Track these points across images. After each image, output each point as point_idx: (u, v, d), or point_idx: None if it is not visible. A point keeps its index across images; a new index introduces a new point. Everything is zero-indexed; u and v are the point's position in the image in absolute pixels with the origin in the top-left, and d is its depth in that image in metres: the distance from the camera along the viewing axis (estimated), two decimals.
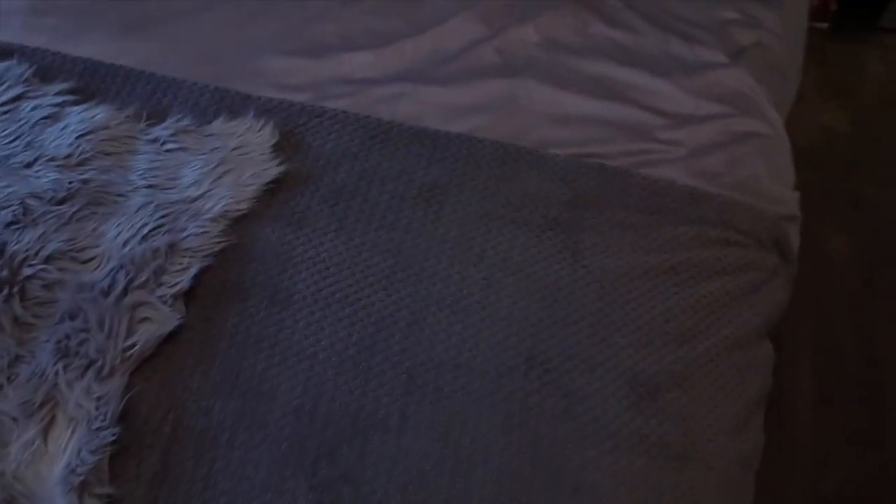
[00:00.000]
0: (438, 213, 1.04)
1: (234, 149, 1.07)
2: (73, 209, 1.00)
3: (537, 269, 0.97)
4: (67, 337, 0.91)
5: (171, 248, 0.97)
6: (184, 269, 0.96)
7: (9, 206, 1.01)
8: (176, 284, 0.94)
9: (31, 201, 1.00)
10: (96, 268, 0.97)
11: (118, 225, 0.99)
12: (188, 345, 0.93)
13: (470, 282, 0.97)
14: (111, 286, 0.94)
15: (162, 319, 0.93)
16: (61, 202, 1.01)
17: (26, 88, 1.11)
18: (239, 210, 1.01)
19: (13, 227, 0.99)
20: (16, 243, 0.97)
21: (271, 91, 1.17)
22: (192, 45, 1.24)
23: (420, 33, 1.24)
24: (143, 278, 0.95)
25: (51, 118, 1.08)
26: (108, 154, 1.05)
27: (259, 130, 1.08)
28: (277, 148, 1.07)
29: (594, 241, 0.98)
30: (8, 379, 0.89)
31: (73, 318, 0.92)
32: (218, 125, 1.10)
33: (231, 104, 1.13)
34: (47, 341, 0.91)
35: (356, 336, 0.93)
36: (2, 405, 0.88)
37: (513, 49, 1.24)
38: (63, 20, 1.25)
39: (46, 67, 1.16)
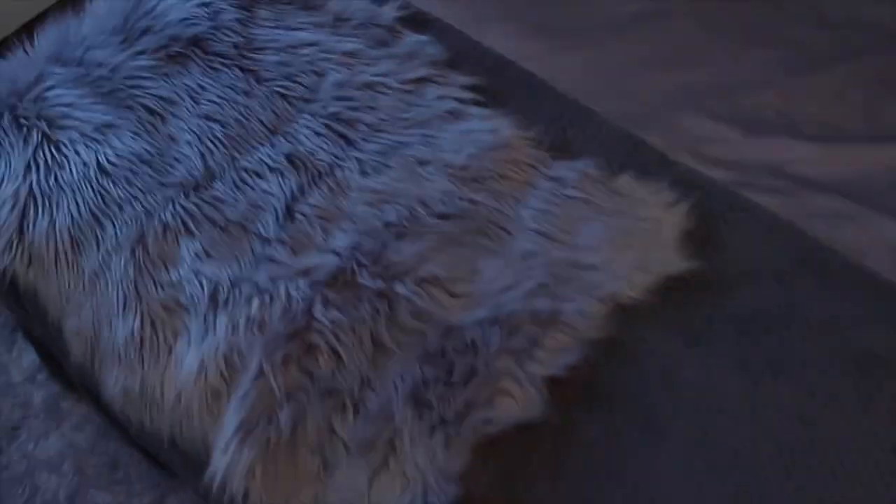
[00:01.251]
0: (871, 395, 0.82)
1: (642, 219, 0.91)
2: (457, 230, 0.89)
3: None
4: (426, 384, 0.80)
5: (552, 318, 0.85)
6: (559, 350, 0.83)
7: (396, 202, 0.91)
8: (549, 365, 0.81)
9: (419, 207, 0.90)
10: (465, 307, 0.87)
11: (499, 267, 0.87)
12: (540, 439, 0.79)
13: None
14: (483, 342, 0.81)
15: (525, 402, 0.79)
16: (446, 217, 0.90)
17: (434, 72, 1.01)
18: (631, 298, 0.86)
19: (395, 229, 0.89)
20: (396, 253, 0.87)
21: (685, 155, 1.00)
22: (607, 70, 1.09)
23: (885, 142, 1.02)
24: (516, 344, 0.82)
25: (452, 115, 0.98)
26: (503, 178, 0.93)
27: (673, 206, 0.91)
28: (690, 235, 0.90)
29: None
30: (354, 405, 0.82)
31: (435, 363, 0.81)
32: (627, 182, 0.93)
33: (643, 160, 0.97)
34: (403, 379, 0.81)
35: None
36: (340, 428, 0.80)
37: None
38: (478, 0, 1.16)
39: (456, 52, 1.05)
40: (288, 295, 0.84)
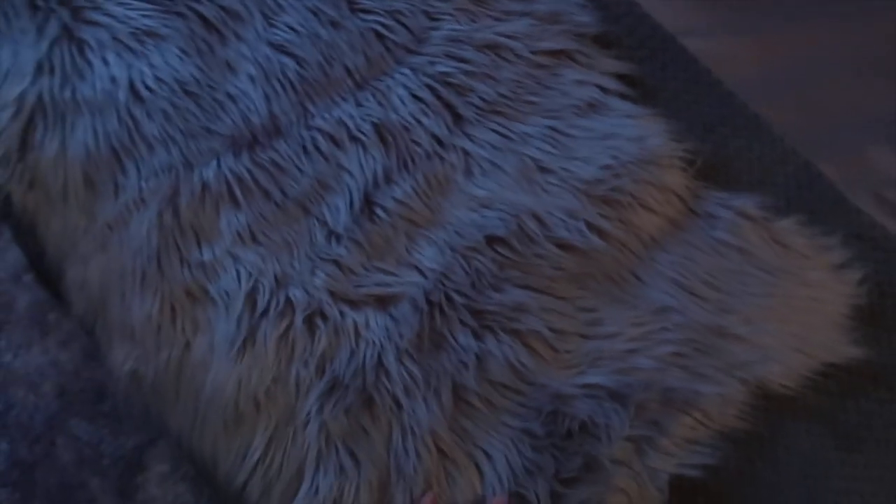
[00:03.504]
0: None
1: (806, 284, 0.69)
2: (577, 268, 0.68)
3: None
4: (527, 472, 0.60)
5: (687, 400, 0.63)
6: (690, 443, 0.63)
7: (501, 210, 0.70)
8: (676, 461, 0.62)
9: (531, 223, 0.68)
10: (575, 365, 0.65)
11: (625, 321, 0.67)
12: None
13: None
14: (601, 422, 0.61)
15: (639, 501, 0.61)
16: (566, 248, 0.68)
17: (577, 46, 0.77)
18: (783, 387, 0.65)
19: (498, 247, 0.67)
20: (495, 289, 0.65)
21: (868, 199, 0.78)
22: (787, 68, 0.84)
23: None
24: (639, 429, 0.62)
25: (591, 108, 0.74)
26: (642, 206, 0.70)
27: (845, 270, 0.70)
28: (860, 312, 0.69)
29: None
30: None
31: (537, 441, 0.62)
32: (792, 230, 0.72)
33: (815, 198, 0.75)
34: (489, 456, 0.61)
35: None
36: None
37: None
38: None
39: (616, 23, 0.79)
40: (354, 327, 0.64)
